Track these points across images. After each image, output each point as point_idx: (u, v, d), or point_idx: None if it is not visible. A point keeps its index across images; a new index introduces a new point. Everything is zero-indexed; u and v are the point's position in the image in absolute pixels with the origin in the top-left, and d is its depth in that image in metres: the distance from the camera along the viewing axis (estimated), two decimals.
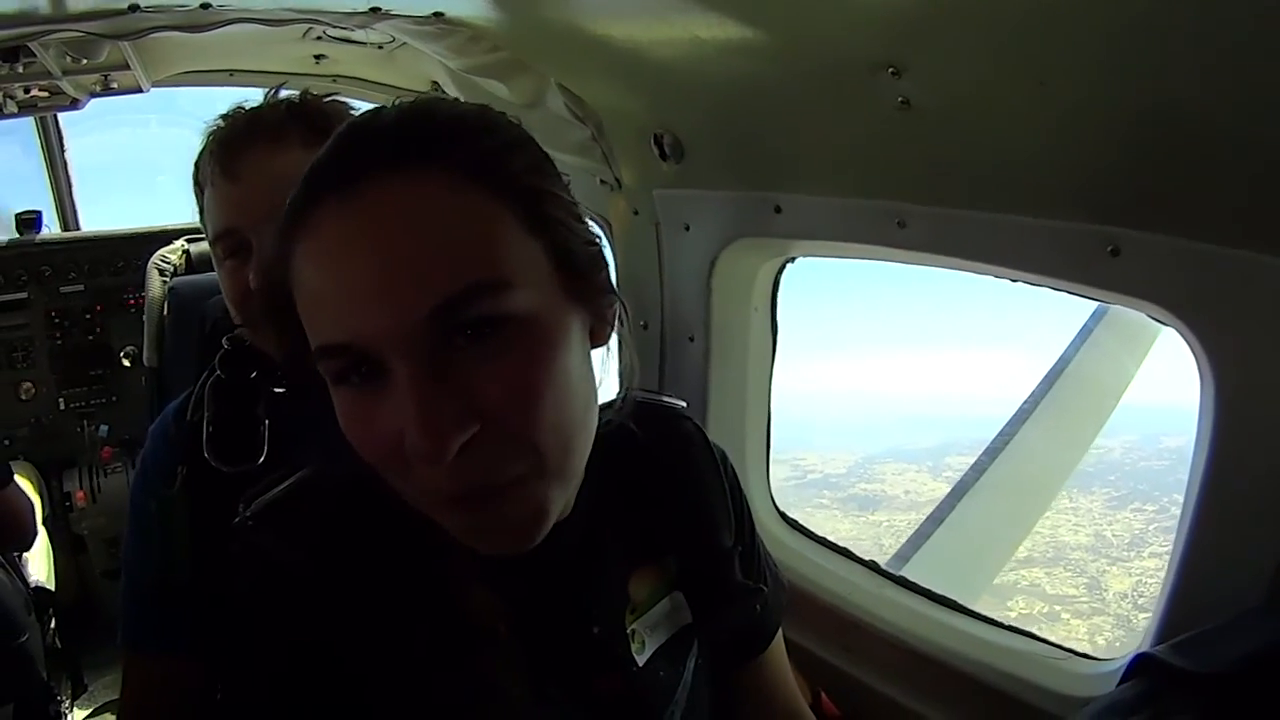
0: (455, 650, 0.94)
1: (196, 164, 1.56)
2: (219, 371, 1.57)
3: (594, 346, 0.94)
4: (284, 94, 1.58)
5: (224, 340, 1.58)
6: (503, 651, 0.95)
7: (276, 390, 1.54)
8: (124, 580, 1.60)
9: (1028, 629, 1.68)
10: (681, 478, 1.18)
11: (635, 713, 1.06)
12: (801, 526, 2.13)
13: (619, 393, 1.09)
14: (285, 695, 0.93)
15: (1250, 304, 1.13)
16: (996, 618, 1.74)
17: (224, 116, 1.55)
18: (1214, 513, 1.23)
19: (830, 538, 2.07)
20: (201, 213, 1.58)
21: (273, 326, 0.91)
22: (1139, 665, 1.03)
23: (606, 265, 0.94)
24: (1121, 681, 1.05)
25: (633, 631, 1.07)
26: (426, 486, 0.83)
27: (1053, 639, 1.62)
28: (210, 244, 1.54)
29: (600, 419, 0.95)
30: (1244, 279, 1.12)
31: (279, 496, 1.01)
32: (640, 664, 1.06)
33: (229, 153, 1.48)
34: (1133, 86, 1.07)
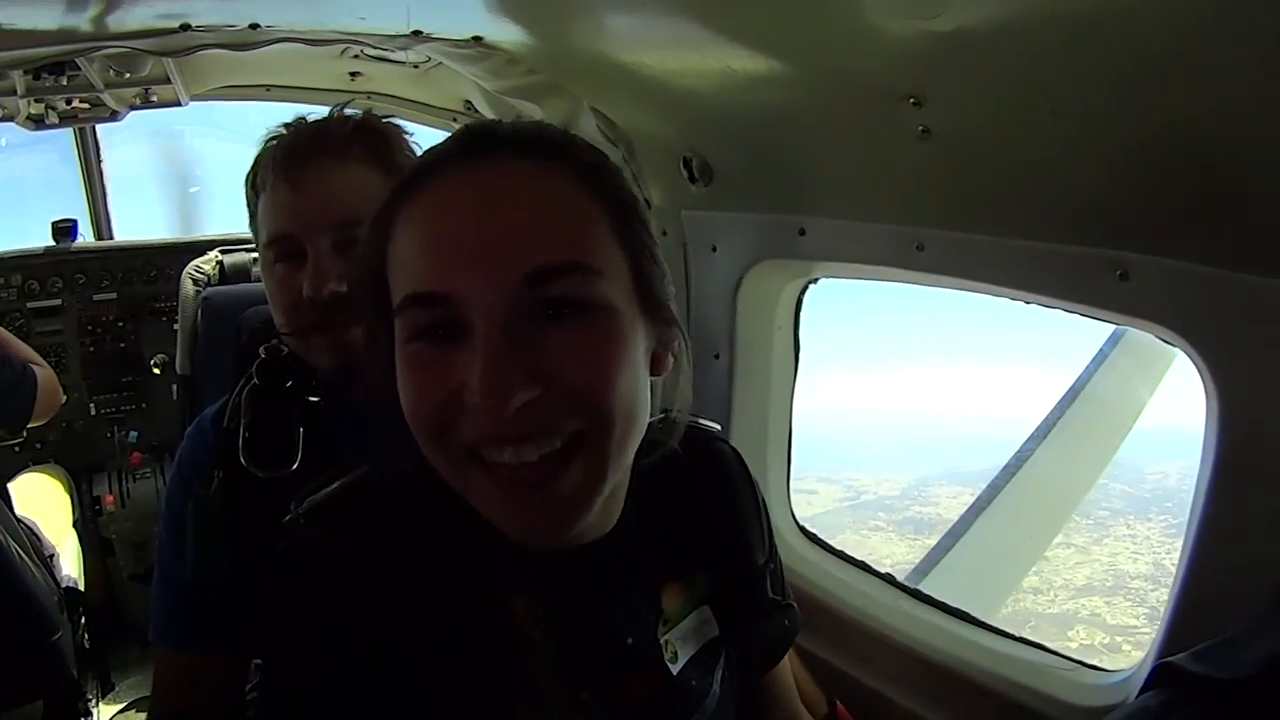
0: (495, 651, 0.98)
1: (253, 169, 1.61)
2: (256, 379, 1.60)
3: (652, 374, 1.00)
4: (348, 111, 1.64)
5: (261, 349, 1.62)
6: (539, 656, 0.99)
7: (311, 399, 1.59)
8: (157, 576, 1.63)
9: (1041, 643, 1.71)
10: (719, 498, 1.24)
11: (663, 719, 1.11)
12: (820, 540, 2.17)
13: (662, 415, 1.14)
14: (334, 685, 0.97)
15: (1253, 326, 1.18)
16: (1011, 631, 1.78)
17: (287, 125, 1.61)
18: (1218, 527, 1.28)
19: (886, 562, 2.09)
20: (253, 216, 1.63)
21: (365, 299, 0.99)
22: (1160, 674, 1.05)
23: (672, 301, 1.02)
24: (1143, 691, 1.07)
25: (665, 642, 1.12)
26: (476, 436, 0.89)
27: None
28: (263, 247, 1.59)
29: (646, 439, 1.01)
30: (1247, 302, 1.17)
31: (331, 495, 1.06)
32: (675, 672, 1.11)
33: (293, 161, 1.54)
34: (1140, 117, 1.13)
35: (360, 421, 1.53)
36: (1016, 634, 1.76)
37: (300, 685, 0.99)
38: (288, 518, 1.07)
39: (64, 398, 3.15)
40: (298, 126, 1.61)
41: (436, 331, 0.89)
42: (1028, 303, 1.50)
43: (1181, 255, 1.23)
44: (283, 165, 1.54)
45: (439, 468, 0.95)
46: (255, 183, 1.61)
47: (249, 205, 1.65)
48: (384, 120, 1.66)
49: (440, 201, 0.92)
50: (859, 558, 2.11)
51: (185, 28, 1.84)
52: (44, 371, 2.92)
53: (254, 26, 1.88)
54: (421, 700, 0.97)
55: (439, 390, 0.89)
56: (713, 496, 1.24)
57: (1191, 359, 1.28)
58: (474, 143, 0.95)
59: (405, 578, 0.98)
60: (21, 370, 2.80)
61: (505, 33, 1.92)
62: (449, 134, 1.01)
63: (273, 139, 1.61)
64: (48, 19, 1.73)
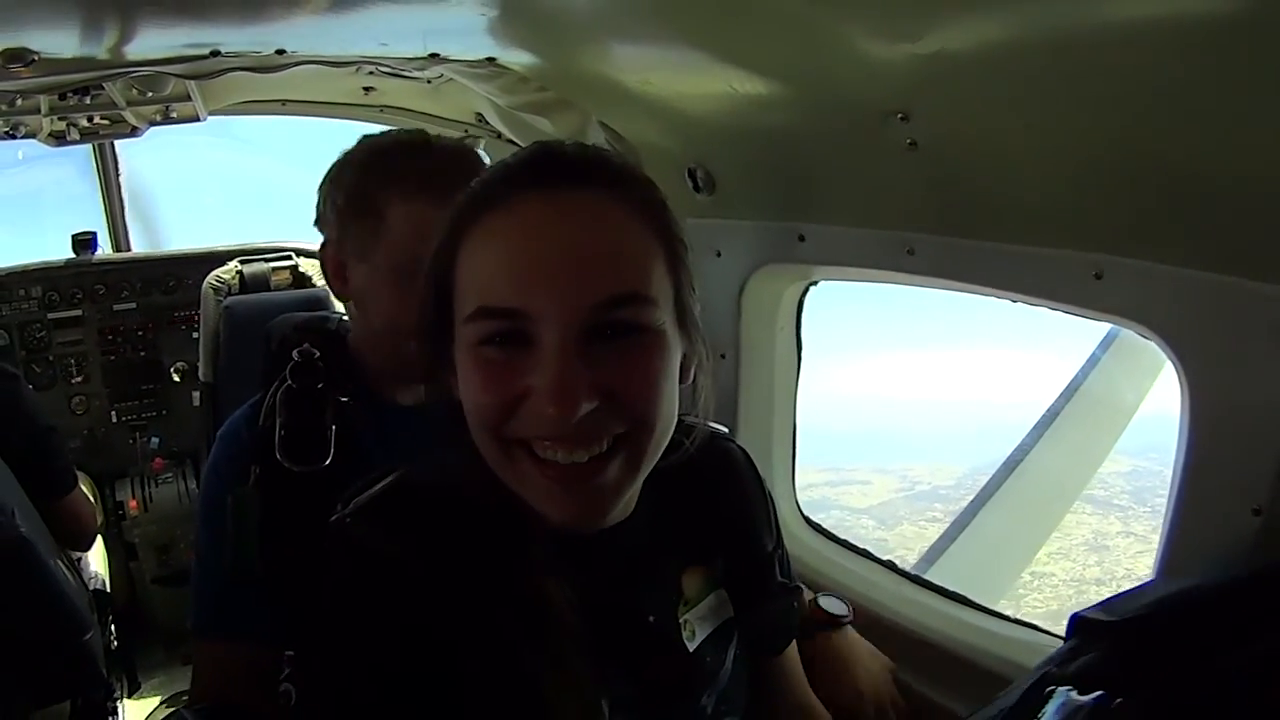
0: (531, 633, 1.05)
1: (363, 182, 1.63)
2: (290, 381, 1.67)
3: (680, 381, 1.09)
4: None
5: (295, 353, 1.68)
6: (572, 636, 1.07)
7: (342, 399, 1.67)
8: (196, 571, 1.70)
9: (1035, 623, 1.79)
10: (728, 490, 1.34)
11: (680, 693, 1.20)
12: (825, 530, 2.27)
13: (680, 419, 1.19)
14: (378, 670, 1.04)
15: (1219, 321, 1.27)
16: (1006, 613, 1.87)
17: (408, 139, 1.65)
18: (1191, 511, 1.37)
19: None
20: (361, 230, 1.64)
21: (428, 298, 1.08)
22: (1074, 625, 1.14)
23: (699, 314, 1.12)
24: (1065, 640, 1.16)
25: (684, 621, 1.22)
26: (534, 435, 0.99)
27: None
28: (387, 268, 1.60)
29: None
30: (1213, 299, 1.26)
31: (375, 495, 1.14)
32: (691, 649, 1.21)
33: (442, 181, 1.46)
34: (1111, 130, 1.23)
35: (395, 419, 1.63)
36: (1012, 616, 1.84)
37: (345, 675, 1.06)
38: (334, 518, 1.14)
39: (99, 522, 3.25)
40: (425, 143, 1.65)
41: (504, 338, 0.98)
42: (1013, 301, 1.59)
43: (1151, 256, 1.32)
44: (429, 185, 1.55)
45: (488, 455, 1.04)
46: (377, 197, 1.63)
47: (353, 218, 1.66)
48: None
49: (519, 223, 1.00)
50: (860, 546, 2.20)
51: (215, 54, 1.93)
52: (84, 499, 3.02)
53: (280, 52, 1.97)
54: (460, 680, 1.04)
55: (504, 390, 0.98)
56: (723, 489, 1.33)
57: (1165, 351, 1.37)
58: (546, 166, 1.03)
59: (445, 568, 1.06)
60: (65, 452, 2.91)
61: (518, 55, 2.00)
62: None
63: (400, 153, 1.64)
64: (81, 47, 1.80)
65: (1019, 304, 1.59)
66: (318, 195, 1.73)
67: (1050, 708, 1.02)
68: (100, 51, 1.85)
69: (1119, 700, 0.98)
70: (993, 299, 1.65)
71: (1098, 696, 1.00)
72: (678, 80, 1.80)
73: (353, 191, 1.66)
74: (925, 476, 12.71)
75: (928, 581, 2.04)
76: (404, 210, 1.60)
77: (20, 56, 1.71)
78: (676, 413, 1.07)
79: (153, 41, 1.87)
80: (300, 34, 1.90)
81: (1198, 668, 0.99)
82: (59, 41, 1.76)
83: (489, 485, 1.08)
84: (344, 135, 1.87)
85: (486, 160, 1.75)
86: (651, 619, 1.19)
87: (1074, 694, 1.02)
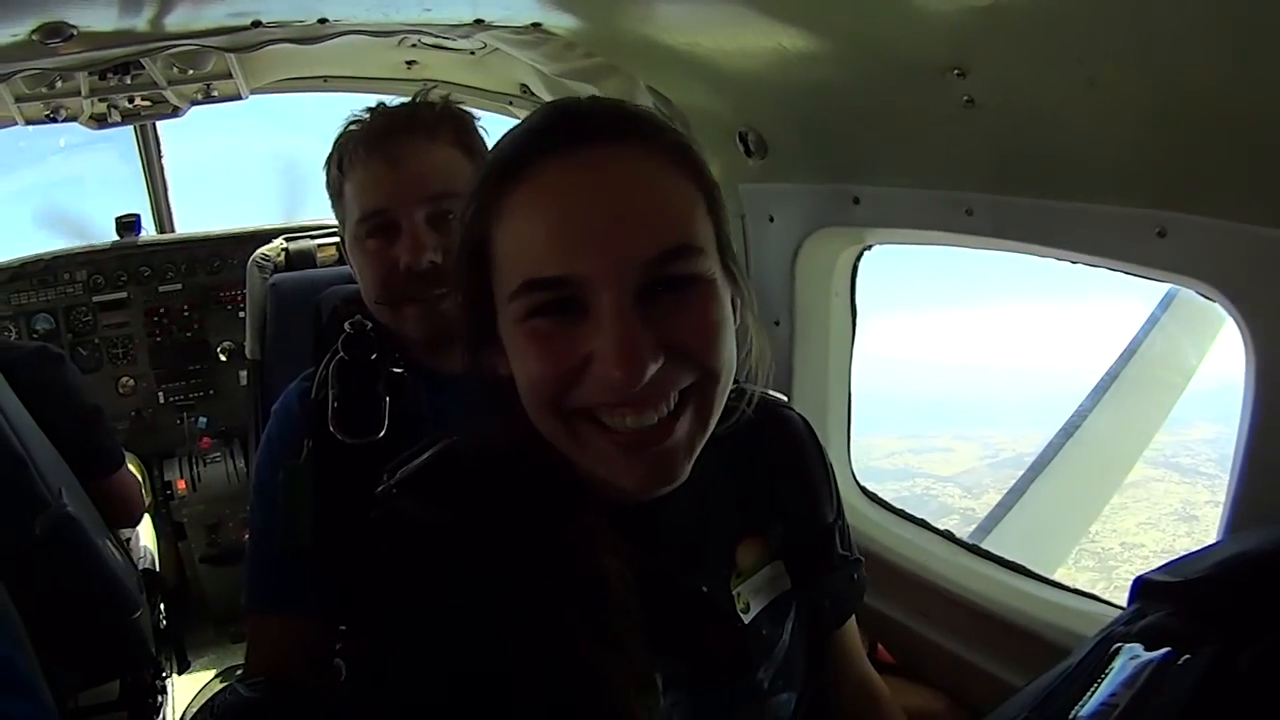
0: (584, 606, 1.04)
1: (337, 151, 1.72)
2: (342, 353, 1.71)
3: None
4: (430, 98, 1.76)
5: (346, 325, 1.73)
6: (626, 609, 1.05)
7: (396, 370, 1.71)
8: (250, 547, 1.76)
9: (1095, 593, 1.79)
10: (788, 460, 1.35)
11: (735, 667, 1.20)
12: (881, 500, 2.28)
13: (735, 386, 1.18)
14: (425, 645, 1.04)
15: None
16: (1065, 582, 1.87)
17: (370, 110, 1.73)
18: (1257, 476, 1.37)
19: None
20: (337, 196, 1.74)
21: (464, 276, 1.08)
22: (1137, 589, 1.14)
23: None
24: (1129, 604, 1.16)
25: (737, 594, 1.22)
26: (600, 402, 0.99)
27: None
28: (354, 223, 1.69)
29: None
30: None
31: (422, 465, 1.16)
32: (746, 622, 1.21)
33: (389, 140, 1.65)
34: (1175, 81, 1.22)
35: (443, 389, 1.66)
36: (1070, 585, 1.85)
37: (392, 648, 1.07)
38: (380, 488, 1.16)
39: (145, 503, 3.32)
40: (385, 110, 1.72)
41: (555, 308, 0.98)
42: (1073, 262, 1.58)
43: (1217, 212, 1.31)
44: (377, 144, 1.65)
45: (547, 430, 1.05)
46: (341, 163, 1.71)
47: (332, 186, 1.75)
48: (459, 106, 1.77)
49: (553, 189, 0.98)
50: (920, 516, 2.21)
51: (256, 24, 1.96)
52: (131, 477, 3.09)
53: (322, 21, 1.99)
54: (510, 653, 1.03)
55: (563, 360, 0.98)
56: (782, 458, 1.34)
57: (1229, 312, 1.36)
58: (569, 125, 1.01)
59: (493, 539, 1.06)
60: (110, 430, 2.98)
61: (563, 19, 2.02)
62: (505, 118, 1.11)
63: (355, 122, 1.72)
64: (120, 20, 1.83)
65: (1079, 265, 1.59)
66: None
67: (1117, 664, 1.03)
68: (139, 24, 1.88)
69: (1186, 657, 0.99)
70: (1053, 260, 1.64)
71: (1165, 653, 1.00)
72: (726, 39, 1.81)
73: (328, 180, 1.78)
74: (1008, 444, 12.45)
75: (985, 551, 2.05)
76: (351, 179, 1.70)
77: (59, 31, 1.74)
78: (735, 360, 1.06)
79: (193, 12, 1.89)
80: (342, 0, 1.93)
81: (1266, 624, 0.99)
82: (98, 15, 1.78)
83: (538, 453, 1.08)
84: None
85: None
86: (704, 589, 1.19)
87: (1141, 649, 1.03)
